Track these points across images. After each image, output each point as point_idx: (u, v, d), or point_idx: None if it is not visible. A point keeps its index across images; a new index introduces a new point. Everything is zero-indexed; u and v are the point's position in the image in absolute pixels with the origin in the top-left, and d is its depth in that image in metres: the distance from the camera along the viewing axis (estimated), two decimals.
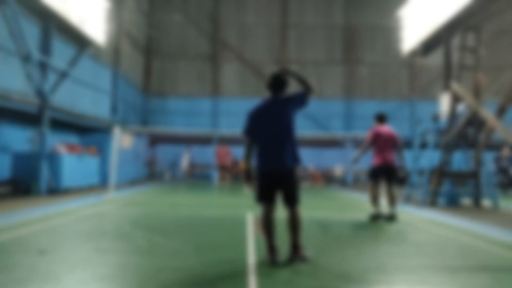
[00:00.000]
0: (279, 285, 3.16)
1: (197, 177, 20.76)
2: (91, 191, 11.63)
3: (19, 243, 4.45)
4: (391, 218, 6.57)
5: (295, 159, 3.93)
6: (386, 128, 7.04)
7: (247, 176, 4.01)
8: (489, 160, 11.20)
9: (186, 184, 16.83)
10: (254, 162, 4.03)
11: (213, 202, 10.27)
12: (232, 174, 20.66)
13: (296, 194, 3.92)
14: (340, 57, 23.05)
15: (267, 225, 3.86)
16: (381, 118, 7.12)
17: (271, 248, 3.81)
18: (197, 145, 20.80)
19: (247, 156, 3.99)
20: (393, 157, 6.86)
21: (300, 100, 4.01)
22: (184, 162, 18.76)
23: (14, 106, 9.84)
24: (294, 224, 3.89)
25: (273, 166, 3.87)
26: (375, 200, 6.79)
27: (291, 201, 3.90)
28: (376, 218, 6.66)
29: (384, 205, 7.11)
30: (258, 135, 3.95)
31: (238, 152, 20.61)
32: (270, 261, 3.74)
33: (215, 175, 17.94)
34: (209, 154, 20.07)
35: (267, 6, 23.13)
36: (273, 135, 3.89)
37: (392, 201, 6.73)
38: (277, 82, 4.04)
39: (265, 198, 3.89)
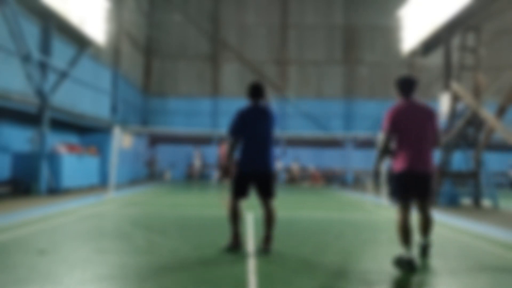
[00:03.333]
0: (279, 285, 3.16)
1: (195, 177, 20.76)
2: (91, 191, 11.62)
3: (19, 243, 4.45)
4: (424, 251, 4.11)
5: (273, 160, 4.38)
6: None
7: (226, 171, 4.34)
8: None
9: (198, 184, 16.75)
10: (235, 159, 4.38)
11: (213, 202, 10.26)
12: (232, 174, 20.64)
13: (273, 189, 4.31)
14: (340, 57, 23.04)
15: (235, 214, 4.26)
16: (410, 87, 3.99)
17: (236, 234, 4.26)
18: (196, 145, 20.79)
19: (230, 154, 4.34)
20: (431, 157, 3.93)
21: (274, 127, 4.42)
22: (197, 162, 18.81)
23: (14, 106, 9.84)
24: (269, 218, 4.25)
25: (257, 167, 4.26)
26: (407, 236, 3.71)
27: (268, 195, 4.27)
28: (408, 265, 3.59)
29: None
30: (245, 137, 4.29)
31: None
32: (232, 246, 4.20)
33: (214, 174, 18.03)
34: (208, 154, 20.05)
35: (267, 6, 23.13)
36: (260, 139, 4.30)
37: (426, 227, 4.06)
38: (258, 90, 4.41)
39: (242, 194, 4.29)
